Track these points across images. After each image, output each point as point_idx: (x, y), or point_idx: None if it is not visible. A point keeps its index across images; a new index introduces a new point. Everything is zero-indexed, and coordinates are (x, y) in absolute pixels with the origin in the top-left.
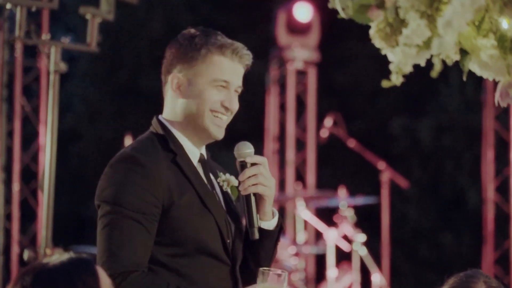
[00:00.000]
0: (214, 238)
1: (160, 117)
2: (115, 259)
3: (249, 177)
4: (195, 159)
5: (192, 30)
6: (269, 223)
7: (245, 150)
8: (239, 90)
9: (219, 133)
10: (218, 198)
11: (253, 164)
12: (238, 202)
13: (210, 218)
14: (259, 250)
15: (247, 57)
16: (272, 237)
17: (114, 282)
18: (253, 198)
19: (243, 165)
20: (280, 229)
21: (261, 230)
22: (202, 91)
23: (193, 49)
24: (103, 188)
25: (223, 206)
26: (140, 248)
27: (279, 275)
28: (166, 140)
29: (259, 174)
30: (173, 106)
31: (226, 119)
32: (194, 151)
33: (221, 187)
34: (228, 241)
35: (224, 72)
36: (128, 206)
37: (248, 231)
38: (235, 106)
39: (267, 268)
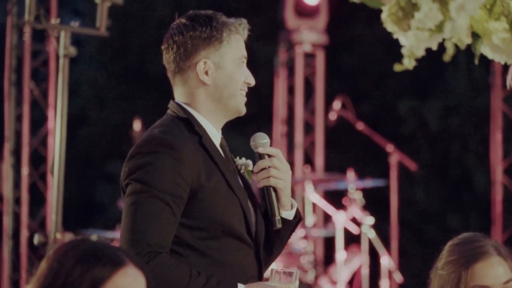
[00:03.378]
0: (240, 221)
1: (178, 101)
2: (141, 238)
3: (262, 169)
4: (217, 143)
5: (197, 14)
6: (289, 213)
7: (260, 140)
8: None
9: (245, 109)
10: (239, 181)
11: (269, 156)
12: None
13: (236, 201)
14: (274, 238)
15: (247, 31)
16: (289, 227)
17: None
18: (271, 190)
19: (258, 156)
20: (298, 220)
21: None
22: (232, 73)
23: (215, 32)
24: (132, 168)
25: (244, 190)
26: (166, 229)
27: (290, 274)
28: (190, 123)
29: (272, 166)
30: (197, 92)
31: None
32: (216, 135)
33: (239, 171)
34: (251, 224)
35: (242, 48)
36: (158, 186)
37: (263, 219)
38: (253, 80)
39: (279, 268)
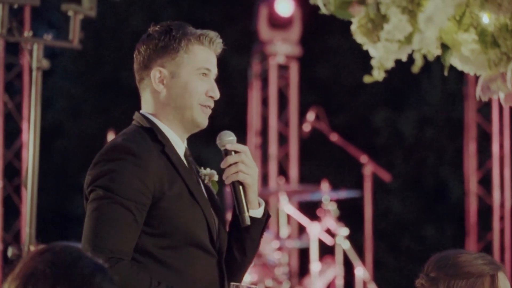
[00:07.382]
0: (202, 230)
1: (142, 111)
2: (103, 244)
3: (230, 165)
4: (181, 152)
5: (162, 25)
6: (257, 211)
7: (226, 138)
8: (215, 77)
9: (205, 122)
10: (203, 191)
11: (236, 153)
12: (218, 196)
13: (198, 210)
14: (245, 239)
15: (220, 45)
16: (259, 226)
17: None
18: (239, 186)
19: (225, 153)
20: (267, 218)
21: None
22: (186, 83)
23: (173, 41)
24: (95, 175)
25: (207, 199)
26: (128, 236)
27: None
28: (153, 132)
29: (240, 162)
30: (156, 101)
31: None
32: (180, 145)
33: (202, 181)
34: (214, 233)
35: (205, 60)
36: (120, 193)
37: (233, 222)
38: (218, 93)
39: (238, 284)
